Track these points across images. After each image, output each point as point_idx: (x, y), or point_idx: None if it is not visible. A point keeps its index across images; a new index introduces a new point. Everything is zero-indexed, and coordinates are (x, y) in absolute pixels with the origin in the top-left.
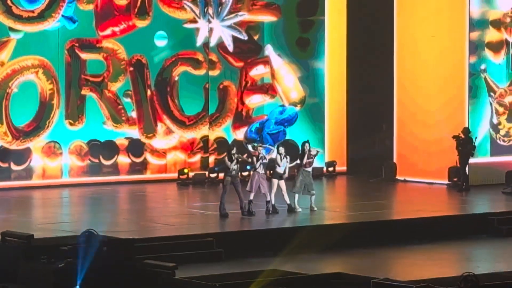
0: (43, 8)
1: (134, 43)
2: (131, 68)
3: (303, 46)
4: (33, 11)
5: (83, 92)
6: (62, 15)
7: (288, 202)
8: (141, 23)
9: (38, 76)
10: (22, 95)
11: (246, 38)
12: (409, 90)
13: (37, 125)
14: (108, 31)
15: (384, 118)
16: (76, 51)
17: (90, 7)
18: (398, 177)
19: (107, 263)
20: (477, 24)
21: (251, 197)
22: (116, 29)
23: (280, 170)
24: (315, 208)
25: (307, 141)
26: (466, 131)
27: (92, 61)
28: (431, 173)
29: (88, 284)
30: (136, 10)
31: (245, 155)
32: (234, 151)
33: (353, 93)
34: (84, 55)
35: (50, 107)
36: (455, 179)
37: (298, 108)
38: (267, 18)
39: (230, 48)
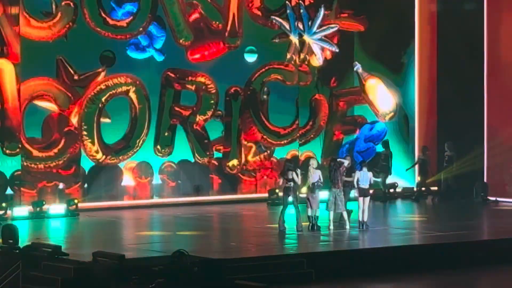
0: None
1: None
2: (227, 98)
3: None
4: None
5: (172, 122)
6: (153, 47)
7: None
8: (232, 45)
9: (129, 94)
10: (113, 111)
11: (337, 50)
12: (500, 112)
13: (127, 144)
14: (197, 55)
15: (475, 139)
16: (171, 80)
17: (187, 43)
18: (489, 197)
19: (198, 284)
20: None
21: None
22: (206, 52)
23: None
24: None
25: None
26: (386, 144)
27: (184, 92)
28: None
29: None
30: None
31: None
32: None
33: (443, 112)
34: (177, 86)
35: (141, 127)
36: None
37: (391, 117)
38: (354, 27)
39: (320, 61)
